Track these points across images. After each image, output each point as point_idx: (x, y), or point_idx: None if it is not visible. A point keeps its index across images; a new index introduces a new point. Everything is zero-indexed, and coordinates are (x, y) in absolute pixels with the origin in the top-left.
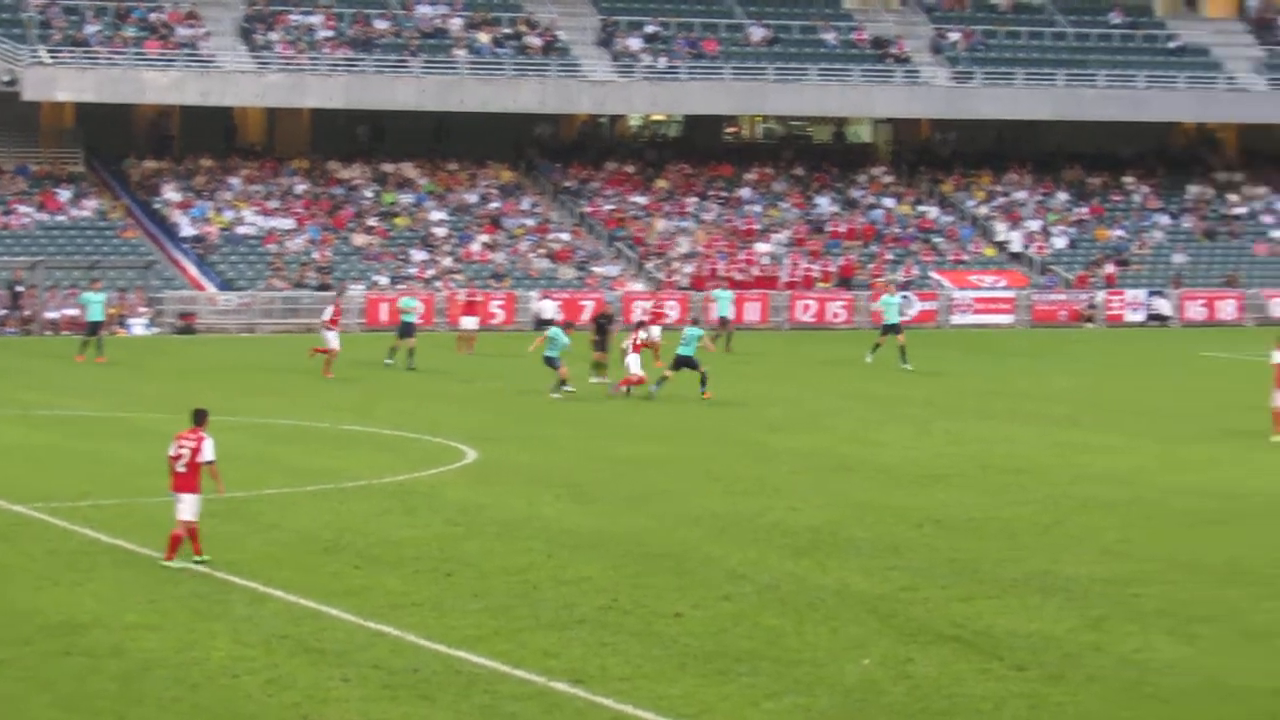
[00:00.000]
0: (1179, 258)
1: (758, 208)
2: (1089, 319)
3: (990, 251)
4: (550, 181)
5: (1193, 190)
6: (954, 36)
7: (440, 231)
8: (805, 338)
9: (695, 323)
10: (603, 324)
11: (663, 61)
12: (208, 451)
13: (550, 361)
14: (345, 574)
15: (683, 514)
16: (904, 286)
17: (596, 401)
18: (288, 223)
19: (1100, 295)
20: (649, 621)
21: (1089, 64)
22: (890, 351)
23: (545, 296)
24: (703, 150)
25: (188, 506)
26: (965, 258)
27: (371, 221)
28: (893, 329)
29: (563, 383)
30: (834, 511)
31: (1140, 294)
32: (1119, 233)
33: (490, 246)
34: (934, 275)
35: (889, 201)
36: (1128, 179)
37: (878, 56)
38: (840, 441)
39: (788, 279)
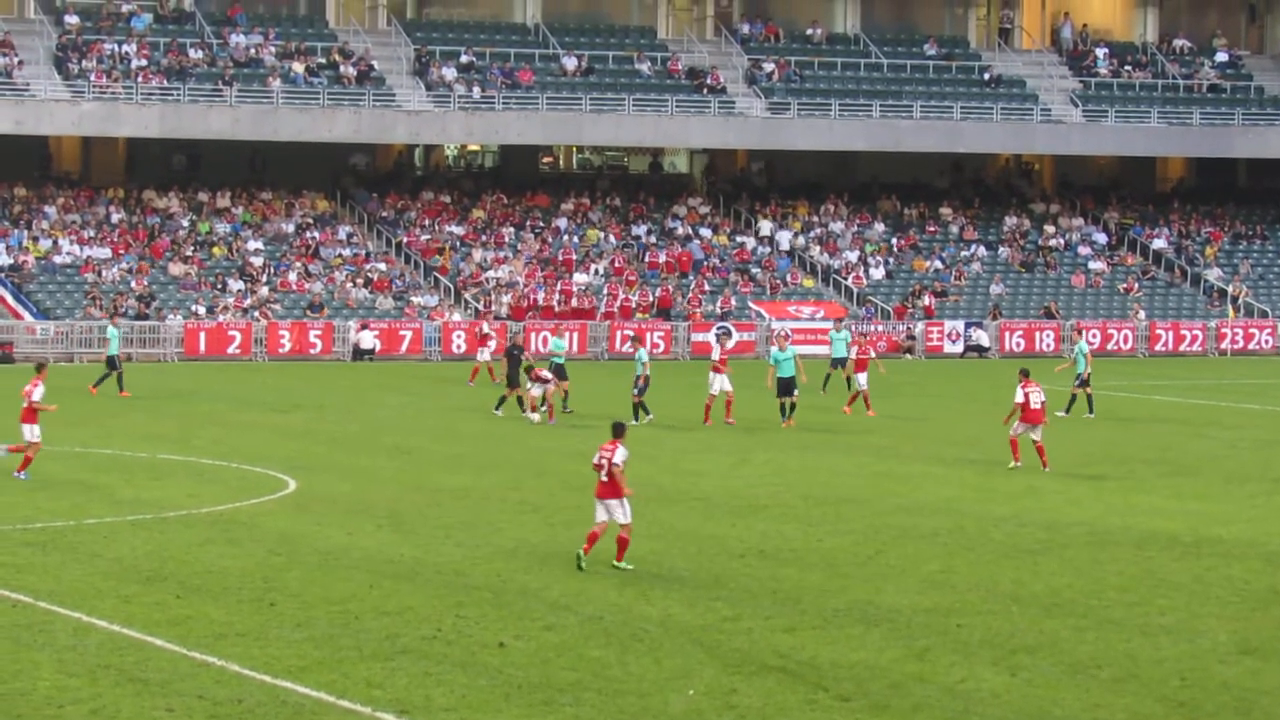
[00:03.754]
0: (997, 289)
1: (575, 238)
2: (908, 350)
3: (808, 283)
4: (367, 211)
5: (1009, 221)
6: (769, 68)
7: (257, 261)
8: (624, 368)
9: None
10: (515, 355)
11: (478, 91)
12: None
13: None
14: (168, 604)
15: (503, 545)
16: (722, 318)
17: (413, 433)
18: (104, 252)
19: (919, 326)
20: (473, 652)
21: (904, 95)
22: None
23: (364, 327)
24: (519, 180)
25: None
26: (783, 289)
27: (188, 251)
28: (840, 363)
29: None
30: (655, 542)
31: (959, 325)
32: (936, 264)
33: (307, 276)
34: (752, 306)
35: (706, 232)
36: (944, 210)
37: (693, 87)
38: (659, 471)
39: (605, 309)
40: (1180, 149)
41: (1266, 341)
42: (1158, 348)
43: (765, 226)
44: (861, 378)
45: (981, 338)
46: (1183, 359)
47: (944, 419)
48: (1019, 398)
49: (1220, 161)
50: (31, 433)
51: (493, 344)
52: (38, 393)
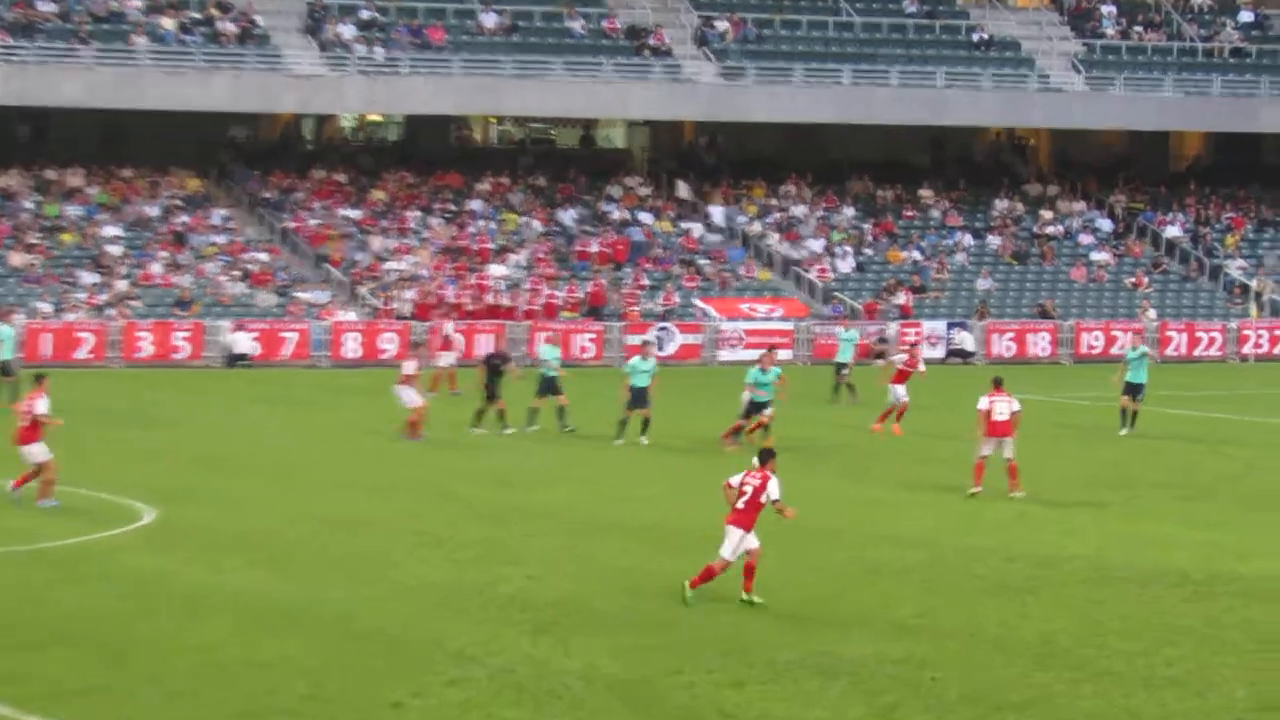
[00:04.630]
0: (984, 284)
1: (492, 223)
2: (880, 355)
3: (765, 276)
4: (247, 192)
5: (1000, 206)
6: (722, 26)
7: (114, 250)
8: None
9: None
10: (496, 365)
11: (380, 53)
12: None
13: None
14: (0, 657)
15: (400, 584)
16: (663, 317)
17: (296, 452)
18: None
19: (893, 327)
20: (363, 712)
21: (879, 59)
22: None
23: (240, 327)
24: (427, 157)
25: None
26: (735, 283)
27: (32, 238)
28: (843, 368)
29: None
30: (582, 581)
31: (939, 326)
32: (915, 255)
33: (174, 268)
34: (698, 304)
35: (646, 217)
36: (925, 192)
37: (633, 49)
38: (591, 497)
39: (527, 307)
40: (1198, 122)
41: None
42: (1170, 352)
43: (715, 211)
44: (900, 390)
45: (966, 341)
46: (1199, 365)
47: (922, 436)
48: (981, 405)
49: (1243, 137)
50: (39, 452)
51: (458, 349)
52: (41, 405)
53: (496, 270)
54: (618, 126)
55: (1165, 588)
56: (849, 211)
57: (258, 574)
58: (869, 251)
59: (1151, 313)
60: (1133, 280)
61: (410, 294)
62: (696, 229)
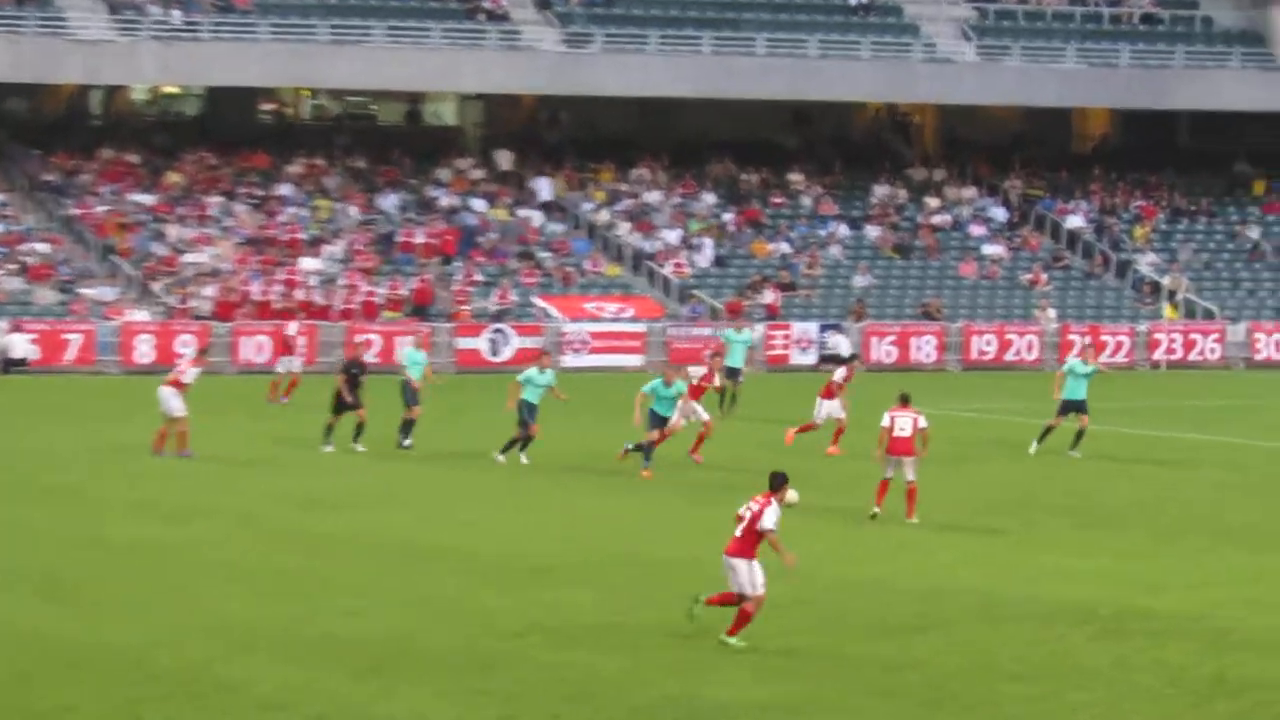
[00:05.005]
0: (862, 280)
1: (304, 211)
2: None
3: (613, 271)
4: (24, 174)
5: (879, 192)
6: None
7: None
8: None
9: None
10: (355, 374)
11: (178, 16)
12: None
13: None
14: None
15: (199, 621)
16: (498, 318)
17: (81, 471)
18: None
19: (759, 330)
20: None
21: (743, 25)
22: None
23: (16, 328)
24: (231, 135)
25: None
26: (580, 279)
27: None
28: (735, 374)
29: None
30: (406, 616)
31: (811, 328)
32: (783, 247)
33: None
34: (538, 302)
35: (478, 204)
36: (795, 177)
37: (465, 13)
38: (415, 521)
39: (343, 306)
40: (1104, 98)
41: (1212, 350)
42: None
43: (543, 187)
44: (834, 405)
45: (841, 344)
46: (1104, 374)
47: (795, 452)
48: (884, 421)
49: (1155, 115)
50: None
51: (301, 353)
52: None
53: (309, 264)
54: (448, 101)
55: (1069, 625)
56: (709, 198)
57: (36, 609)
58: (731, 243)
59: (1051, 313)
60: (1029, 277)
61: (210, 291)
62: (536, 218)
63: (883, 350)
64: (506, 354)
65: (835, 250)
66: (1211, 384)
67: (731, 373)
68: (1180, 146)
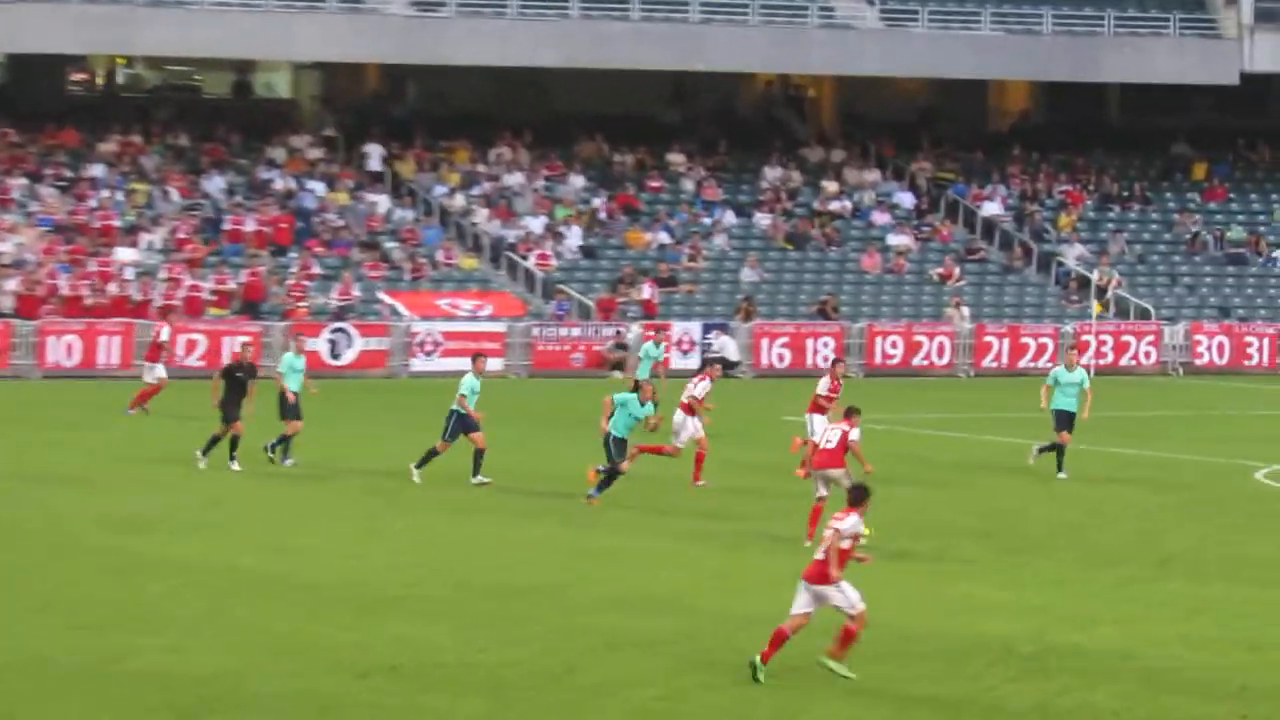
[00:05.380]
0: (751, 274)
1: (119, 195)
2: (617, 365)
3: (470, 263)
4: None
5: (771, 175)
6: None
7: None
8: (190, 391)
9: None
10: (240, 378)
11: None
12: None
13: None
14: None
15: (3, 659)
16: (339, 316)
17: None
18: None
19: (634, 330)
20: None
21: None
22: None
23: None
24: (35, 108)
25: None
26: (432, 273)
27: None
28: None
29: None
30: (233, 653)
31: (693, 328)
32: (661, 237)
33: None
34: (385, 298)
35: (317, 186)
36: (675, 157)
37: None
38: (246, 548)
39: (163, 302)
40: (1024, 69)
41: (1147, 354)
42: (988, 362)
43: (406, 179)
44: (819, 421)
45: (727, 347)
46: (1025, 379)
47: (677, 470)
48: (812, 431)
49: (1083, 89)
50: None
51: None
52: None
53: (124, 255)
54: (281, 71)
55: (986, 664)
56: (577, 181)
57: None
58: (603, 232)
59: (964, 312)
60: (940, 271)
61: (13, 285)
62: (382, 202)
63: (774, 353)
64: (348, 357)
65: (720, 240)
66: (1146, 392)
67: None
68: (1111, 124)
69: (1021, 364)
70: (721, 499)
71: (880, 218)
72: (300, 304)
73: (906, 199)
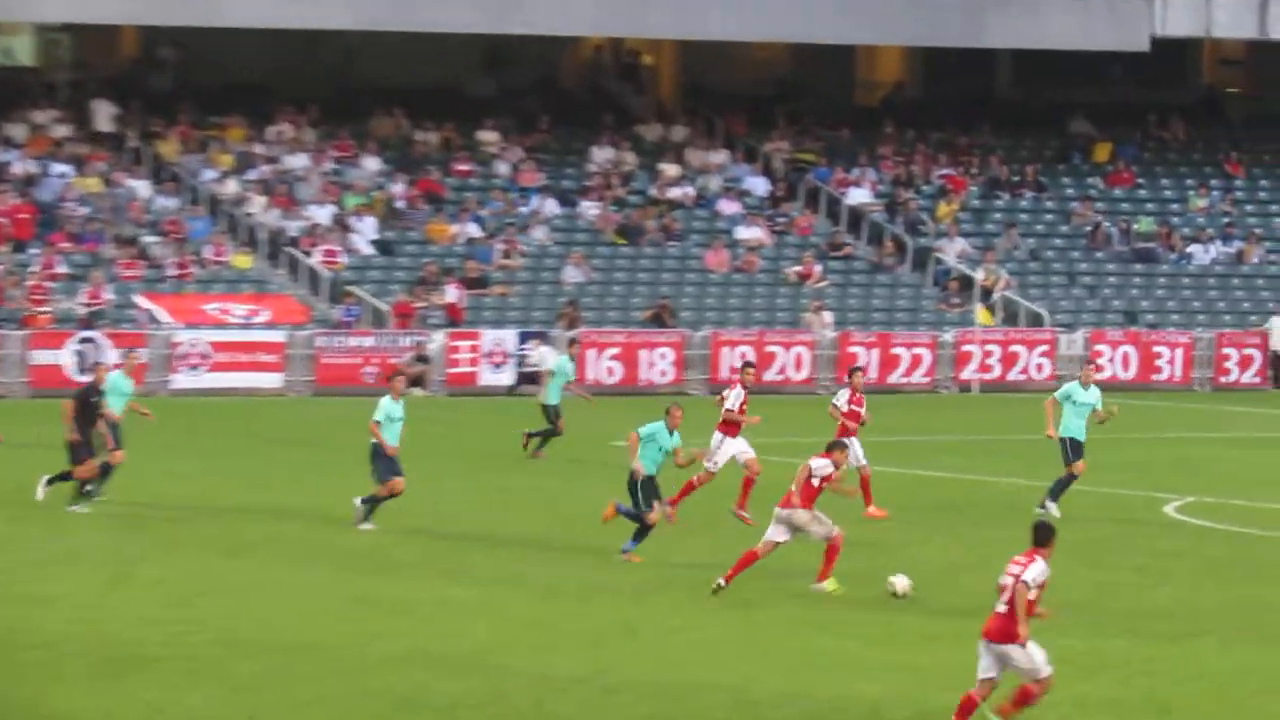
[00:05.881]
0: (575, 274)
1: None
2: (417, 381)
3: (243, 262)
4: None
5: (599, 156)
6: None
7: None
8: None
9: None
10: (94, 402)
11: None
12: None
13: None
14: None
15: None
16: (87, 323)
17: None
18: None
19: (437, 339)
20: None
21: None
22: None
23: None
24: None
25: None
26: (199, 272)
27: None
28: (554, 413)
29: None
30: None
31: (507, 337)
32: (470, 229)
33: None
34: (142, 302)
35: (63, 169)
36: (487, 135)
37: None
38: None
39: None
40: (898, 34)
41: (1040, 367)
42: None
43: (169, 161)
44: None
45: (547, 358)
46: (896, 396)
47: (474, 505)
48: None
49: (966, 57)
50: None
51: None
52: None
53: None
54: (22, 35)
55: None
56: (372, 164)
57: None
58: (401, 224)
59: (827, 317)
60: (798, 270)
61: None
62: (141, 188)
63: (603, 366)
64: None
65: (540, 234)
66: (1038, 411)
67: (551, 410)
68: (1000, 99)
69: (892, 378)
70: (535, 538)
71: (728, 207)
72: (41, 309)
73: (759, 185)
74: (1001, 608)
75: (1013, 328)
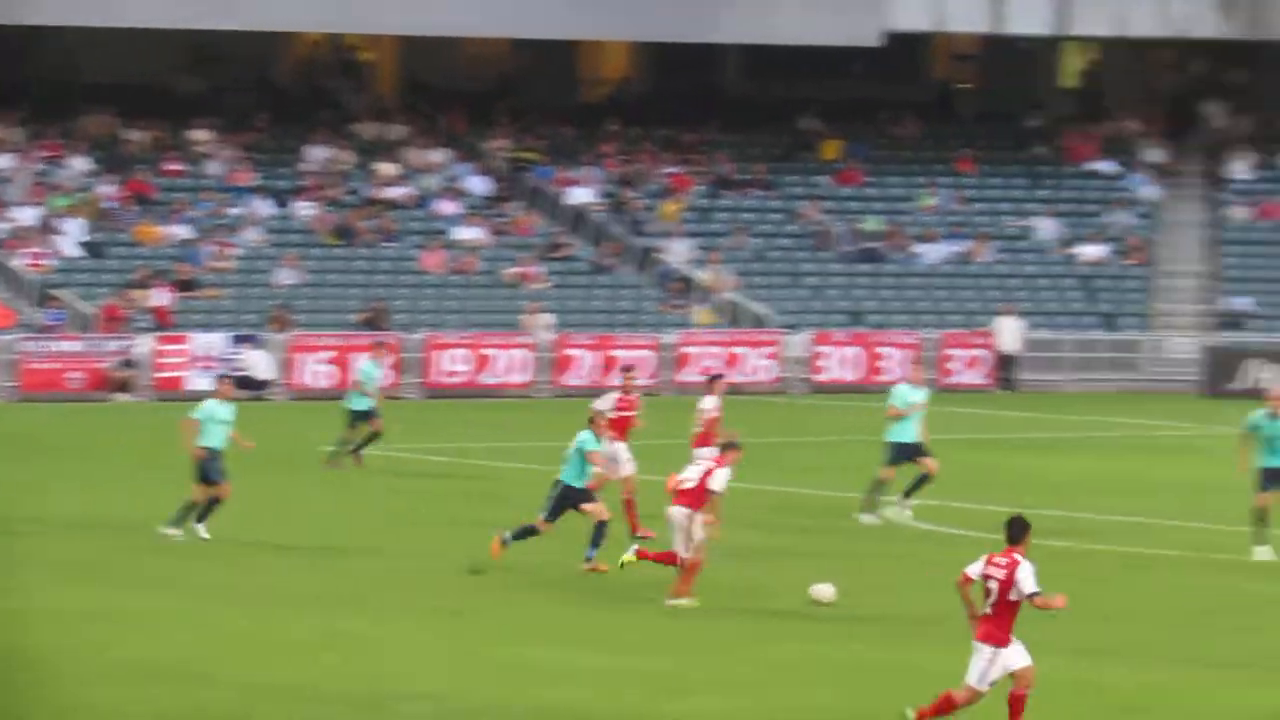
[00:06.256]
0: (288, 276)
1: None
2: (123, 386)
3: None
4: None
5: (314, 156)
6: None
7: None
8: None
9: None
10: None
11: None
12: None
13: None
14: None
15: None
16: None
17: None
18: None
19: (145, 343)
20: None
21: None
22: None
23: None
24: None
25: None
26: None
27: None
28: (366, 416)
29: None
30: None
31: (216, 340)
32: (180, 231)
33: None
34: None
35: None
36: (198, 134)
37: None
38: None
39: None
40: (623, 28)
41: (764, 369)
42: (571, 379)
43: None
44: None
45: (258, 364)
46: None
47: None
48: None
49: (694, 53)
50: None
51: None
52: None
53: None
54: None
55: None
56: (79, 164)
57: None
58: (107, 228)
59: (545, 319)
60: (518, 271)
61: None
62: None
63: (314, 371)
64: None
65: (253, 235)
66: (762, 414)
67: (361, 417)
68: (728, 95)
69: (612, 380)
70: (245, 545)
71: (447, 207)
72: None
73: (478, 184)
74: (988, 609)
75: (735, 329)
